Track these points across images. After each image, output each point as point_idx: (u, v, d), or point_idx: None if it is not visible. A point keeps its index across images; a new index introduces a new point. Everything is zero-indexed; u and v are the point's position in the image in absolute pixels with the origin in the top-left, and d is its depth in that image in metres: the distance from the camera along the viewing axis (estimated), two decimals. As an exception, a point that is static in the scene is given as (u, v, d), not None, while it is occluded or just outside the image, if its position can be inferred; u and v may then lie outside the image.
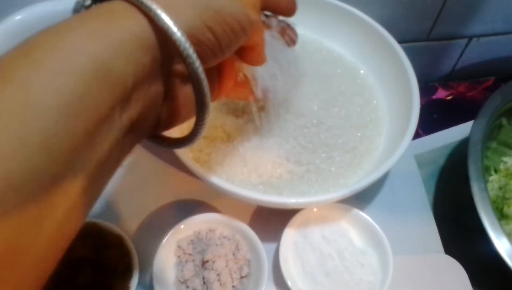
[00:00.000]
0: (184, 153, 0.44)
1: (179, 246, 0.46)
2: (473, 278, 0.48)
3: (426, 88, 0.77)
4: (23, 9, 0.50)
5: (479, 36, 0.72)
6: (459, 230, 0.54)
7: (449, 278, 0.48)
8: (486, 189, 0.48)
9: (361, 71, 0.56)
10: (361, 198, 0.51)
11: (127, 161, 0.53)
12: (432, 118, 0.74)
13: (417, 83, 0.50)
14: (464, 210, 0.56)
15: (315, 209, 0.48)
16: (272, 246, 0.48)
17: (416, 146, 0.64)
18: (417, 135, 0.66)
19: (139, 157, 0.53)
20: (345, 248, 0.46)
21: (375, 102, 0.54)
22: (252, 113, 0.49)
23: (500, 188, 0.57)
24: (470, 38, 0.73)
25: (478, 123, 0.53)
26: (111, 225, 0.45)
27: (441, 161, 0.64)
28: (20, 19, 0.50)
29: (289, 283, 0.44)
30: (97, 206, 0.49)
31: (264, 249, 0.45)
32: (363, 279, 0.44)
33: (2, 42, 0.47)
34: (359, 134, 0.50)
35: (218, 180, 0.42)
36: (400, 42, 0.53)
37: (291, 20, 0.39)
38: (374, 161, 0.49)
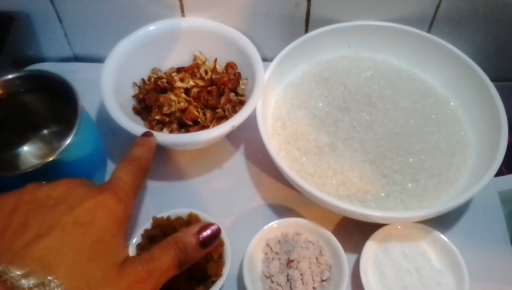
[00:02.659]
0: (280, 161, 0.49)
1: (267, 244, 0.51)
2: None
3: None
4: (155, 22, 0.59)
5: None
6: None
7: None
8: None
9: (451, 103, 0.58)
10: (442, 223, 0.52)
11: (225, 164, 0.59)
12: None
13: (507, 122, 0.52)
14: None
15: (399, 227, 0.50)
16: (352, 256, 0.51)
17: (500, 182, 0.64)
18: (500, 172, 0.66)
19: (236, 161, 0.59)
20: (423, 266, 0.48)
21: (463, 133, 0.56)
22: (345, 131, 0.54)
23: None
24: None
25: None
26: (210, 217, 0.50)
27: (524, 200, 0.64)
28: (153, 29, 0.59)
29: (368, 292, 0.46)
30: (197, 200, 0.55)
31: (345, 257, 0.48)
32: (439, 297, 0.46)
33: (139, 44, 0.59)
34: (446, 161, 0.53)
35: (312, 188, 0.47)
36: (493, 80, 0.55)
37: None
38: (459, 188, 0.51)
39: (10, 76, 0.47)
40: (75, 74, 0.49)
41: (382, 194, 0.51)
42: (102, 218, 0.35)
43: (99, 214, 0.35)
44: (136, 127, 0.51)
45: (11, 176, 0.44)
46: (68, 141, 0.44)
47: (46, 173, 0.44)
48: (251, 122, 0.55)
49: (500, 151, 0.50)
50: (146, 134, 0.49)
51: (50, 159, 0.43)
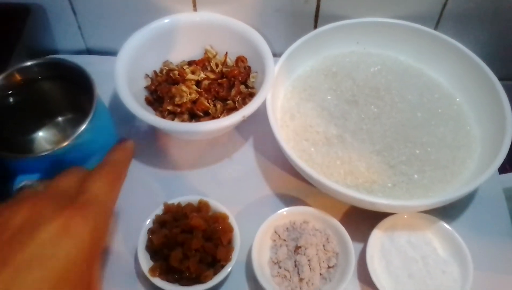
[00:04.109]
0: (289, 150, 0.50)
1: (275, 231, 0.52)
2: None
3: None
4: (168, 16, 0.61)
5: None
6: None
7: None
8: None
9: (457, 99, 0.59)
10: (448, 215, 0.53)
11: (235, 155, 0.60)
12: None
13: None
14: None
15: (405, 217, 0.51)
16: (358, 245, 0.52)
17: (505, 179, 0.65)
18: (505, 170, 0.68)
19: (245, 153, 0.60)
20: (429, 255, 0.49)
21: (468, 128, 0.57)
22: (353, 123, 0.55)
23: None
24: None
25: None
26: (219, 204, 0.52)
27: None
28: (166, 23, 0.61)
29: (374, 279, 0.47)
30: (207, 189, 0.56)
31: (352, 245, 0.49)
32: (443, 284, 0.47)
33: (152, 37, 0.61)
34: (452, 154, 0.54)
35: (320, 176, 0.48)
36: (501, 79, 0.56)
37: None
38: (464, 181, 0.52)
39: (29, 63, 0.49)
40: (87, 66, 0.50)
41: (389, 185, 0.52)
42: (65, 249, 0.29)
43: (62, 244, 0.29)
44: (148, 115, 0.53)
45: (25, 158, 0.45)
46: (83, 127, 0.45)
47: (60, 158, 0.45)
48: (260, 115, 0.57)
49: (505, 145, 0.51)
50: (122, 140, 0.44)
51: (65, 144, 0.44)
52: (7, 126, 0.49)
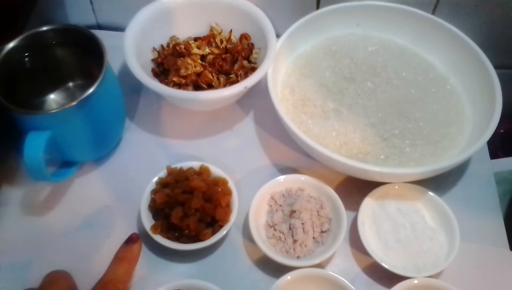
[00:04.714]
0: (288, 121, 0.52)
1: (272, 197, 0.54)
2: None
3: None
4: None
5: None
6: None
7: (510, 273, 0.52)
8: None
9: (451, 80, 0.62)
10: (438, 189, 0.55)
11: (235, 127, 0.62)
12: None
13: (502, 103, 0.54)
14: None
15: (396, 187, 0.54)
16: (351, 214, 0.54)
17: (496, 164, 0.67)
18: (497, 156, 0.70)
19: (245, 125, 0.63)
20: (417, 222, 0.52)
21: (460, 107, 0.59)
22: (350, 98, 0.57)
23: None
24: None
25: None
26: (219, 170, 0.54)
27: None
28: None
29: (364, 243, 0.50)
30: (210, 157, 0.58)
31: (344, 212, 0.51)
32: (430, 250, 0.50)
33: (159, 12, 0.63)
34: (443, 130, 0.56)
35: (316, 145, 0.50)
36: (497, 67, 0.58)
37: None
38: (454, 155, 0.55)
39: (45, 28, 0.52)
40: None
41: (382, 156, 0.54)
42: None
43: None
44: (155, 83, 0.55)
45: (37, 114, 0.48)
46: (92, 89, 0.48)
47: (69, 117, 0.48)
48: (260, 91, 0.60)
49: (493, 122, 0.53)
50: (131, 239, 0.47)
51: (74, 103, 0.47)
52: (22, 86, 0.52)
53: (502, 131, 0.76)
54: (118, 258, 0.46)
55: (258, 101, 0.64)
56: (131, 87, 0.63)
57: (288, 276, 0.47)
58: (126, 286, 0.46)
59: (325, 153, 0.50)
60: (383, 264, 0.48)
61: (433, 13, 0.66)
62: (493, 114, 0.54)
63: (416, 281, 0.47)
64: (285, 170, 0.58)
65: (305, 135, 0.52)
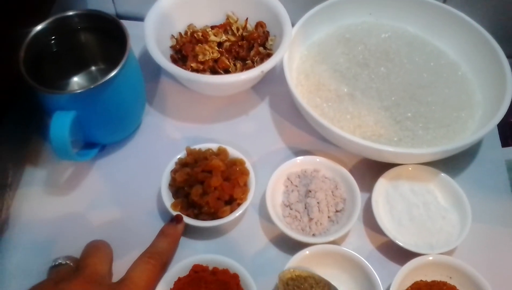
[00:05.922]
0: (304, 103, 0.54)
1: (288, 178, 0.56)
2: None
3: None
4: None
5: None
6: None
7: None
8: None
9: (462, 67, 0.63)
10: (450, 172, 0.57)
11: (251, 112, 0.64)
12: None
13: None
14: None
15: (409, 168, 0.55)
16: (365, 195, 0.56)
17: (508, 152, 0.69)
18: (507, 145, 0.71)
19: (261, 110, 0.64)
20: (430, 202, 0.53)
21: (471, 92, 0.61)
22: (363, 82, 0.59)
23: None
24: None
25: None
26: (237, 151, 0.56)
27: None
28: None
29: (378, 221, 0.51)
30: (227, 140, 0.60)
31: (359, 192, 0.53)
32: (443, 229, 0.51)
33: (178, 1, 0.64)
34: (455, 114, 0.58)
35: (331, 125, 0.52)
36: (509, 56, 0.59)
37: None
38: (465, 138, 0.56)
39: (70, 13, 0.54)
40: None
41: (395, 139, 0.56)
42: None
43: None
44: (175, 67, 0.57)
45: (62, 94, 0.50)
46: (115, 71, 0.50)
47: (95, 97, 0.50)
48: (276, 78, 0.61)
49: (504, 106, 0.54)
50: (176, 219, 0.50)
51: (98, 83, 0.49)
52: (48, 68, 0.54)
53: (512, 120, 0.77)
54: (164, 233, 0.49)
55: (273, 87, 0.65)
56: (150, 74, 0.64)
57: (306, 251, 0.48)
58: (169, 259, 0.49)
59: (341, 134, 0.51)
60: (397, 241, 0.50)
61: (444, 1, 0.68)
62: (503, 100, 0.55)
63: (430, 258, 0.48)
64: (300, 153, 0.60)
65: (321, 118, 0.53)
